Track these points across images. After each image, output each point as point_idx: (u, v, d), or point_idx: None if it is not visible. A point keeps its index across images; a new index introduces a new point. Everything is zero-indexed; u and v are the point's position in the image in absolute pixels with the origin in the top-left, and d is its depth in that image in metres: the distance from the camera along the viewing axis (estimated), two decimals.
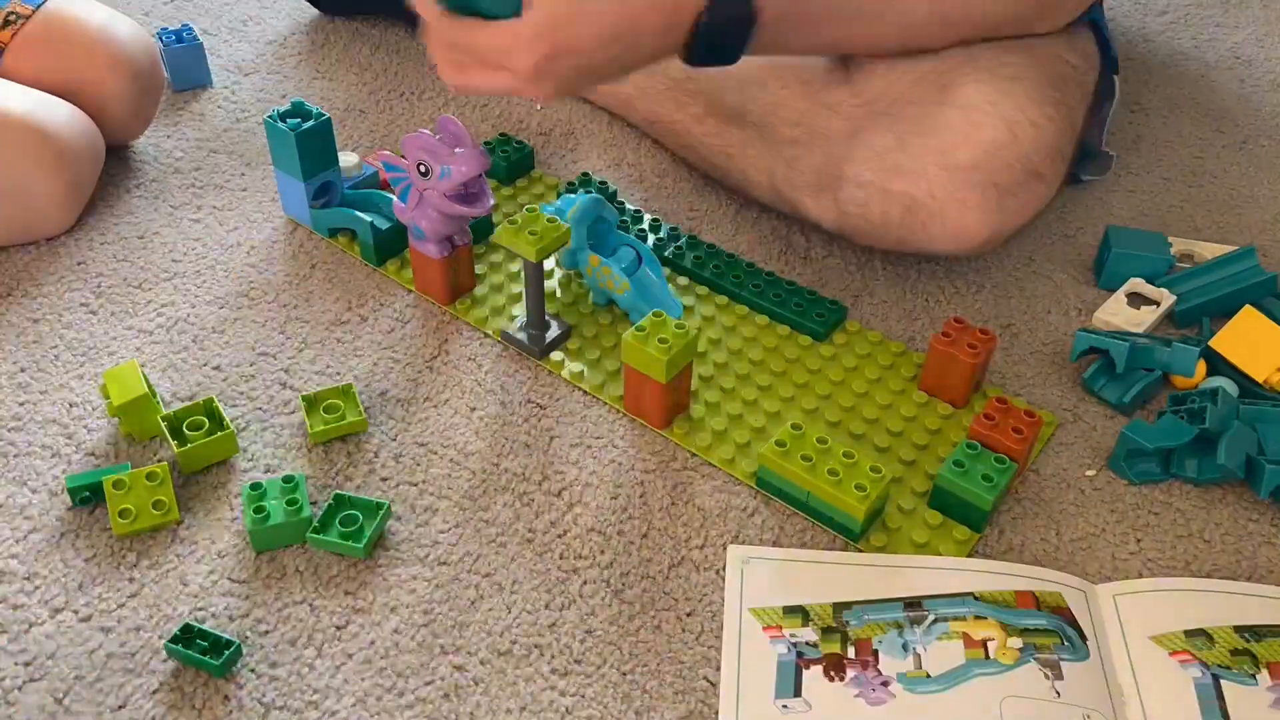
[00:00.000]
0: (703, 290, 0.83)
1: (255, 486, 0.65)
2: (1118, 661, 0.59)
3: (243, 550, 0.64)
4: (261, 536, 0.63)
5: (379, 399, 0.73)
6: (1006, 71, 0.75)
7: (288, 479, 0.65)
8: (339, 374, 0.75)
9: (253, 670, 0.58)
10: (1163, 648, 0.59)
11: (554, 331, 0.78)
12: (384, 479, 0.68)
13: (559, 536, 0.65)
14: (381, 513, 0.65)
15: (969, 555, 0.65)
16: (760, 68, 0.84)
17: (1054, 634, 0.59)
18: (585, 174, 0.93)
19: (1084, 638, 0.59)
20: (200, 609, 0.61)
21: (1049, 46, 0.78)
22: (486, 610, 0.61)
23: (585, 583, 0.63)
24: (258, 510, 0.63)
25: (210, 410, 0.70)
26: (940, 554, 0.64)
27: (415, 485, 0.68)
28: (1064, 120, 0.76)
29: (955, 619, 0.60)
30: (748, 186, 0.88)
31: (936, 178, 0.73)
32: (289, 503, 0.64)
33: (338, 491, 0.66)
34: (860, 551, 0.65)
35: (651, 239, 0.86)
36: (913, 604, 0.61)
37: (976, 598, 0.61)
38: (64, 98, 0.85)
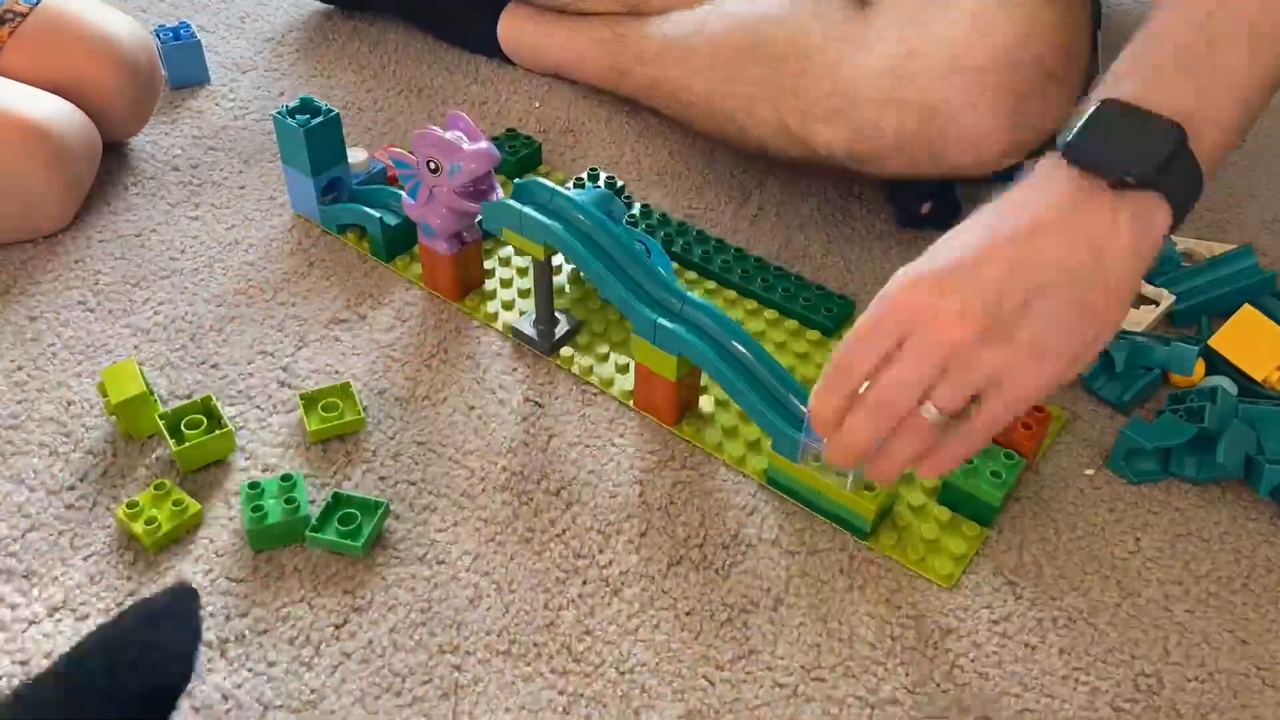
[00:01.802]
0: (710, 284, 0.83)
1: (253, 485, 0.65)
2: None
3: (241, 549, 0.64)
4: (259, 535, 0.63)
5: (377, 397, 0.73)
6: None
7: (285, 478, 0.65)
8: (337, 372, 0.75)
9: (250, 669, 0.58)
10: None
11: (563, 327, 0.78)
12: (382, 478, 0.68)
13: (557, 535, 0.65)
14: (380, 511, 0.64)
15: (977, 552, 0.65)
16: (782, 3, 0.84)
17: None
18: (593, 169, 0.93)
19: None
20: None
21: None
22: (485, 609, 0.61)
23: (584, 582, 0.63)
24: (255, 509, 0.63)
25: (208, 409, 0.70)
26: (951, 552, 0.64)
27: (414, 484, 0.68)
28: (1075, 23, 0.74)
29: None
30: (753, 129, 0.86)
31: (950, 82, 0.72)
32: (287, 501, 0.64)
33: (336, 490, 0.66)
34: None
35: (660, 234, 0.86)
36: None
37: None
38: (62, 95, 0.85)
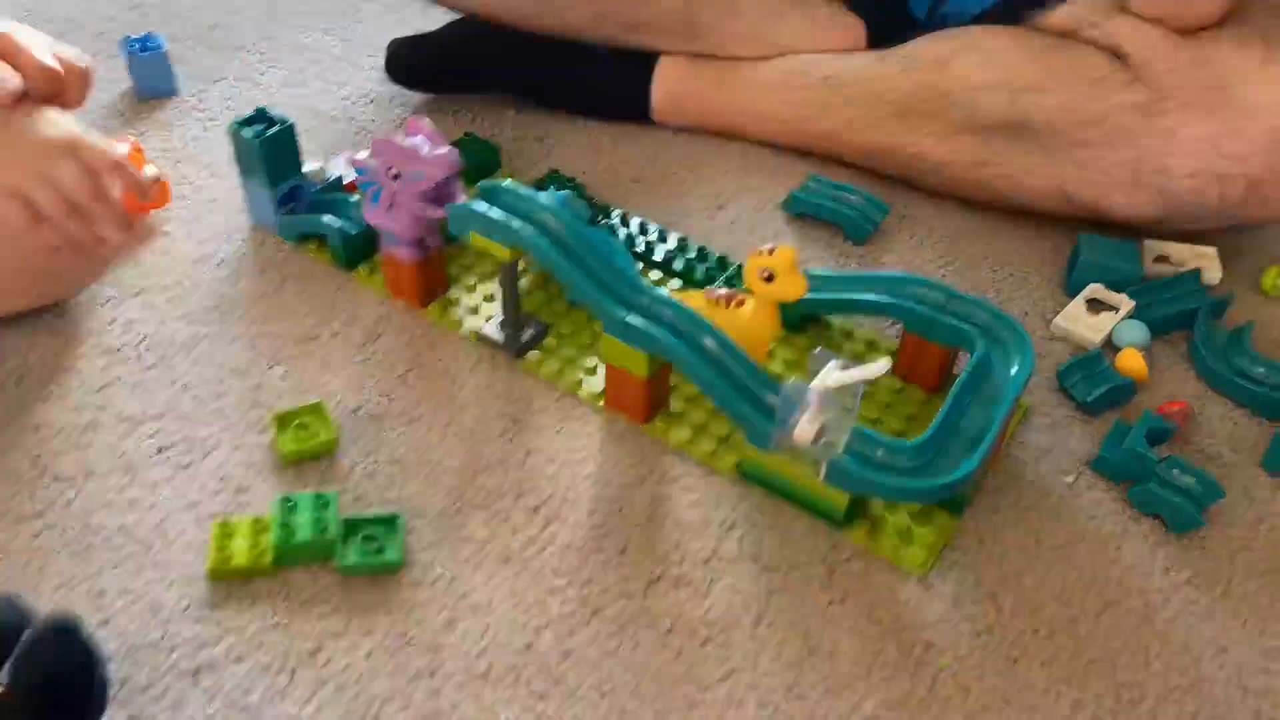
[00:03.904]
0: (675, 284, 0.83)
1: (287, 499, 0.64)
2: None
3: None
4: (286, 553, 0.62)
5: (351, 416, 0.72)
6: None
7: (319, 497, 0.65)
8: (310, 391, 0.74)
9: (225, 699, 0.57)
10: None
11: (530, 331, 0.77)
12: (357, 498, 0.67)
13: (536, 554, 0.65)
14: (398, 523, 0.64)
15: (947, 544, 0.65)
16: (1036, 72, 0.84)
17: None
18: (554, 170, 0.92)
19: None
20: (172, 635, 0.60)
21: None
22: (462, 632, 0.61)
23: (563, 602, 0.62)
24: (284, 526, 0.63)
25: None
26: (923, 541, 0.64)
27: (389, 504, 0.67)
28: None
29: None
30: (1020, 196, 0.88)
31: (1274, 152, 0.77)
32: (316, 521, 0.63)
33: (346, 516, 0.65)
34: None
35: (622, 233, 0.86)
36: None
37: None
38: None
